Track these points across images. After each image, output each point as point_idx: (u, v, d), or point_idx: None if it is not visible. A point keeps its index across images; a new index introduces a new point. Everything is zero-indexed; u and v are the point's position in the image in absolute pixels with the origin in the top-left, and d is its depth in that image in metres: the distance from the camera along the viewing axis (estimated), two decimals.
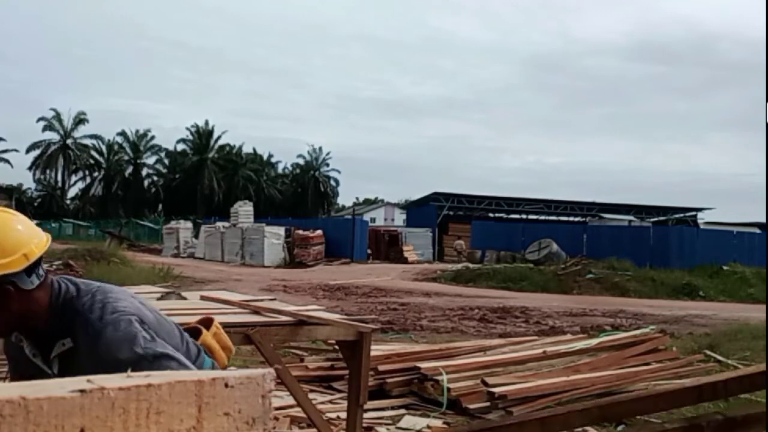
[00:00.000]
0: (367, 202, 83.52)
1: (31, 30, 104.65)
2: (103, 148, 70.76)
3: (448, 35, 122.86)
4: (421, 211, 45.55)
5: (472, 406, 5.43)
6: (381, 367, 5.88)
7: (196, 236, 37.14)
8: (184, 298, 4.49)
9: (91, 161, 71.06)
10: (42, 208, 70.91)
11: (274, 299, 4.86)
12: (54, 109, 69.22)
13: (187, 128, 69.62)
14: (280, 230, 32.16)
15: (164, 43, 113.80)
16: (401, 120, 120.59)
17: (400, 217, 59.27)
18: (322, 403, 5.37)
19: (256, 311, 3.72)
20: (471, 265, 27.81)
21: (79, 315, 1.79)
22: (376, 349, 6.14)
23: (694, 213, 43.48)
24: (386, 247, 37.07)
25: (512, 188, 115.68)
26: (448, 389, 5.52)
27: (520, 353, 6.68)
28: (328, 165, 74.30)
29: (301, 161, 73.41)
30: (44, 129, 68.78)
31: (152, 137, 70.87)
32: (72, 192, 73.87)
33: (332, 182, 74.09)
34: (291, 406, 4.77)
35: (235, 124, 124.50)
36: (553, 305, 16.18)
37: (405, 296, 17.56)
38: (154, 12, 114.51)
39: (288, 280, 21.40)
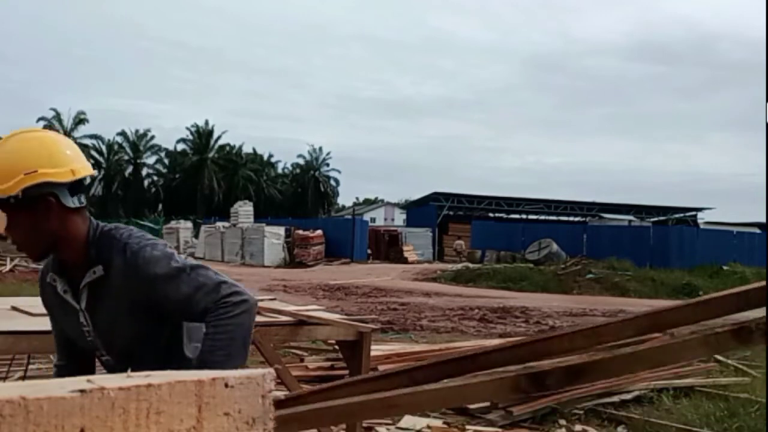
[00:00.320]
0: (367, 202, 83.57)
1: (31, 30, 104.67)
2: (103, 148, 70.80)
3: (448, 35, 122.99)
4: (421, 211, 45.58)
5: (472, 406, 5.43)
6: (381, 367, 5.88)
7: (196, 236, 37.20)
8: None
9: (91, 161, 70.41)
10: None
11: (274, 299, 4.86)
12: (54, 109, 69.44)
13: (187, 128, 69.66)
14: (280, 230, 32.19)
15: (164, 43, 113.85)
16: (401, 120, 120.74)
17: (400, 217, 59.30)
18: None
19: None
20: (471, 265, 27.83)
21: (117, 240, 1.85)
22: (376, 349, 6.14)
23: (694, 213, 43.52)
24: (386, 247, 37.10)
25: (512, 188, 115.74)
26: None
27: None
28: (328, 165, 74.36)
29: (301, 161, 73.45)
30: (44, 129, 68.86)
31: (152, 137, 70.89)
32: None
33: (332, 182, 74.14)
34: None
35: (235, 124, 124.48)
36: (553, 305, 16.19)
37: (405, 296, 17.57)
38: (154, 12, 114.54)
39: (288, 280, 21.41)
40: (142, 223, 56.90)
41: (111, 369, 1.95)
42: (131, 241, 1.84)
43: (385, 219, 65.02)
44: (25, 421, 0.69)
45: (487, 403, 5.44)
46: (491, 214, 45.25)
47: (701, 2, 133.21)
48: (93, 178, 71.82)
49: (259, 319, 3.57)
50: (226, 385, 0.86)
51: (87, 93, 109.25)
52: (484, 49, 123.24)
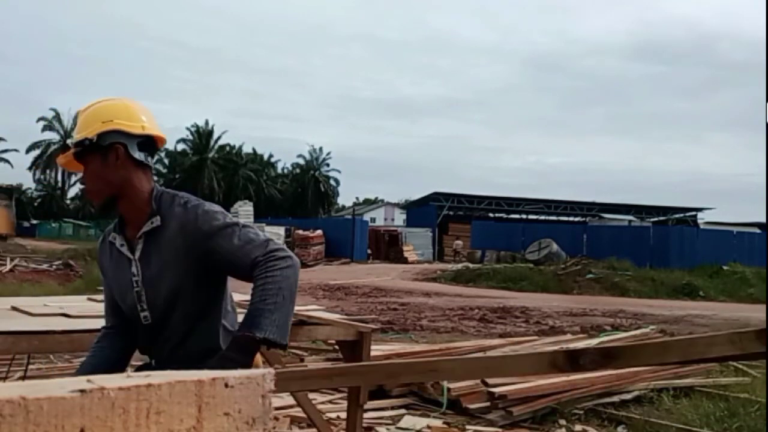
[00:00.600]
0: (367, 202, 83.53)
1: (31, 30, 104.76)
2: None
3: (448, 35, 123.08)
4: (421, 211, 45.57)
5: (472, 406, 5.43)
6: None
7: None
8: None
9: None
10: (42, 208, 70.93)
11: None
12: (54, 109, 69.25)
13: (187, 128, 69.64)
14: (280, 230, 32.19)
15: (164, 43, 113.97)
16: (401, 120, 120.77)
17: (400, 217, 59.27)
18: (322, 403, 5.37)
19: None
20: (471, 265, 27.82)
21: (178, 197, 2.02)
22: (376, 349, 6.13)
23: (694, 213, 43.52)
24: (386, 247, 37.10)
25: (512, 188, 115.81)
26: (448, 389, 5.52)
27: (520, 353, 6.67)
28: (328, 165, 74.31)
29: (301, 161, 73.39)
30: (44, 129, 68.74)
31: None
32: (72, 192, 73.86)
33: (332, 182, 74.11)
34: (291, 406, 4.78)
35: (235, 124, 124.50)
36: (553, 305, 16.18)
37: (405, 296, 17.56)
38: (154, 12, 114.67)
39: None
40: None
41: (148, 330, 2.02)
42: (190, 198, 2.02)
43: (385, 219, 64.99)
44: (25, 421, 0.69)
45: (488, 403, 5.44)
46: (491, 214, 45.25)
47: (701, 2, 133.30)
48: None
49: None
50: (226, 385, 0.87)
51: (87, 93, 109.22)
52: (484, 49, 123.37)
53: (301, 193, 71.13)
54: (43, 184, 72.45)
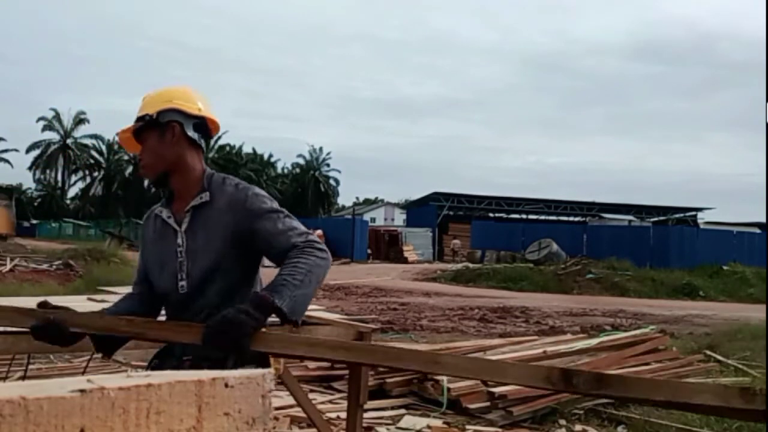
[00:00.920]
0: (367, 202, 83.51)
1: (30, 30, 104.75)
2: (103, 147, 70.80)
3: (448, 35, 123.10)
4: (421, 211, 45.56)
5: (472, 406, 5.43)
6: (381, 367, 5.88)
7: None
8: None
9: (91, 161, 71.06)
10: (42, 208, 70.92)
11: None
12: (54, 109, 69.31)
13: None
14: None
15: (164, 43, 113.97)
16: (401, 120, 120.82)
17: (400, 217, 59.25)
18: (322, 403, 5.37)
19: None
20: (471, 265, 27.81)
21: (229, 179, 2.13)
22: None
23: (694, 213, 43.51)
24: (386, 247, 37.09)
25: (512, 188, 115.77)
26: (448, 389, 5.52)
27: (520, 353, 6.67)
28: (328, 165, 74.30)
29: (301, 161, 73.36)
30: (44, 129, 68.82)
31: None
32: (72, 192, 73.93)
33: (332, 182, 74.12)
34: (291, 406, 4.77)
35: (235, 124, 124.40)
36: (553, 305, 16.18)
37: (405, 296, 17.56)
38: (154, 12, 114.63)
39: None
40: (141, 223, 56.93)
41: (182, 299, 2.08)
42: (240, 181, 2.13)
43: (385, 219, 64.97)
44: (25, 421, 0.69)
45: (488, 403, 5.44)
46: (491, 214, 45.22)
47: (701, 2, 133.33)
48: (93, 178, 71.45)
49: None
50: (226, 385, 0.87)
51: (87, 93, 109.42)
52: (484, 49, 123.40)
53: (301, 193, 71.12)
54: (43, 184, 72.45)
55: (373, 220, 54.64)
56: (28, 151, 68.50)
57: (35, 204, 72.41)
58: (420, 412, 5.46)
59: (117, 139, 2.27)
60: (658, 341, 7.31)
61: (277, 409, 4.70)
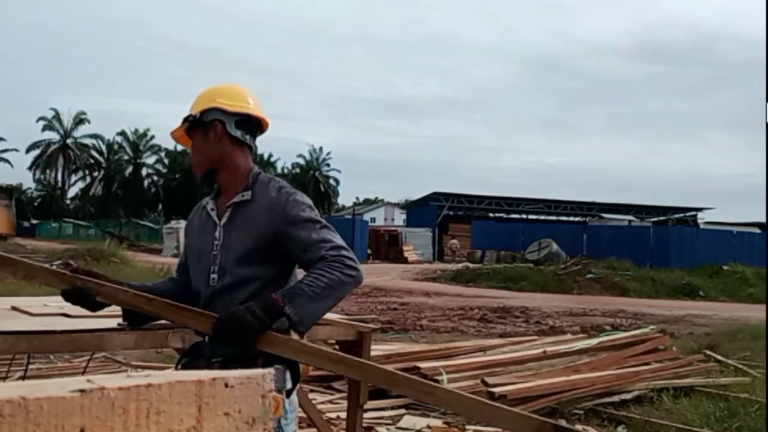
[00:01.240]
0: (367, 202, 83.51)
1: (31, 30, 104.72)
2: (103, 147, 70.80)
3: (448, 35, 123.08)
4: (421, 211, 45.54)
5: None
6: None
7: None
8: None
9: (91, 161, 71.05)
10: (42, 208, 70.92)
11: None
12: (54, 109, 69.28)
13: None
14: None
15: (164, 43, 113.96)
16: (401, 120, 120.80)
17: (400, 217, 59.24)
18: (322, 403, 5.37)
19: None
20: (471, 265, 27.80)
21: (274, 181, 2.17)
22: (376, 349, 6.14)
23: (694, 213, 43.48)
24: (386, 247, 37.07)
25: (512, 188, 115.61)
26: None
27: (520, 353, 6.67)
28: (328, 165, 74.32)
29: (301, 161, 73.31)
30: (44, 129, 68.81)
31: (152, 137, 70.86)
32: (72, 192, 73.92)
33: (332, 182, 74.15)
34: None
35: None
36: (553, 305, 16.18)
37: (405, 296, 17.56)
38: (153, 12, 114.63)
39: None
40: (142, 223, 56.95)
41: (212, 293, 2.11)
42: (285, 185, 2.16)
43: (385, 219, 64.96)
44: (25, 421, 0.69)
45: None
46: (491, 214, 45.20)
47: (701, 2, 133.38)
48: (93, 178, 71.38)
49: None
50: (226, 385, 0.87)
51: (87, 93, 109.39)
52: (484, 49, 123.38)
53: None
54: (43, 184, 72.45)
55: (373, 220, 54.63)
56: (28, 151, 68.57)
57: (35, 204, 72.41)
58: (420, 412, 5.46)
59: (170, 137, 2.34)
60: (658, 341, 7.31)
61: None
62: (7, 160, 67.55)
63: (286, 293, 1.89)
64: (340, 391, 5.74)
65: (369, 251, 35.69)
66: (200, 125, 2.15)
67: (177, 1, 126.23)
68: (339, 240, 2.04)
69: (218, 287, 2.10)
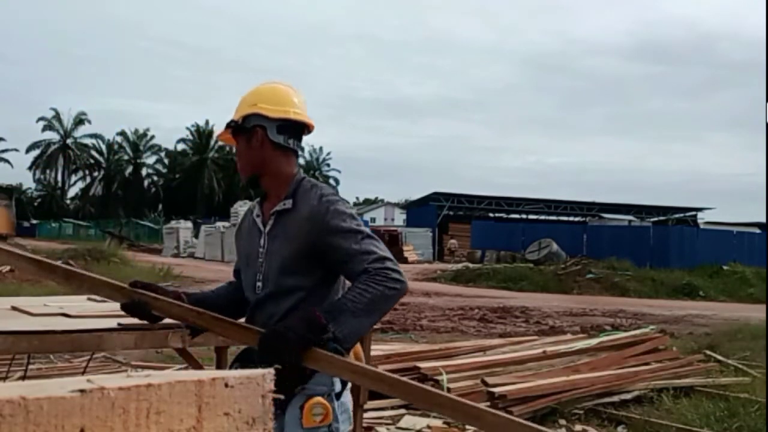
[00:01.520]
0: (367, 202, 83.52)
1: (31, 30, 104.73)
2: (103, 147, 70.83)
3: (447, 35, 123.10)
4: (421, 211, 45.53)
5: None
6: (381, 367, 5.88)
7: (196, 236, 37.10)
8: None
9: (91, 161, 71.06)
10: (42, 207, 70.93)
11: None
12: (54, 109, 69.30)
13: (187, 128, 69.66)
14: None
15: (164, 43, 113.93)
16: (401, 120, 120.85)
17: (400, 217, 59.23)
18: None
19: None
20: (471, 265, 27.80)
21: (316, 188, 2.11)
22: (376, 349, 6.14)
23: (694, 213, 43.45)
24: (386, 246, 37.03)
25: (512, 188, 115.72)
26: (448, 389, 5.51)
27: (520, 353, 6.67)
28: (328, 165, 74.37)
29: (301, 161, 73.21)
30: (44, 129, 68.83)
31: (152, 137, 70.90)
32: (72, 192, 73.93)
33: (332, 182, 74.09)
34: None
35: None
36: (553, 305, 16.18)
37: (405, 296, 17.52)
38: (154, 12, 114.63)
39: None
40: (142, 223, 56.95)
41: (257, 301, 2.12)
42: (327, 192, 2.10)
43: (385, 219, 64.96)
44: (25, 421, 0.69)
45: (488, 403, 5.43)
46: (491, 214, 45.19)
47: (701, 2, 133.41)
48: (93, 178, 71.37)
49: None
50: (226, 385, 0.87)
51: (87, 93, 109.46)
52: (484, 49, 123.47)
53: None
54: (43, 184, 72.47)
55: (373, 220, 54.66)
56: (28, 151, 68.58)
57: (35, 204, 72.42)
58: (420, 412, 5.45)
59: (219, 140, 2.34)
60: (658, 341, 7.31)
61: None
62: (7, 160, 67.63)
63: (330, 310, 1.87)
64: None
65: None
66: (242, 130, 2.12)
67: (177, 1, 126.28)
68: (382, 250, 1.99)
69: (262, 295, 2.11)
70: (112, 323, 3.02)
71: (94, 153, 70.99)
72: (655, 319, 13.89)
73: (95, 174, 71.51)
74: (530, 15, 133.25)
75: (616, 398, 5.97)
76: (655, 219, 42.15)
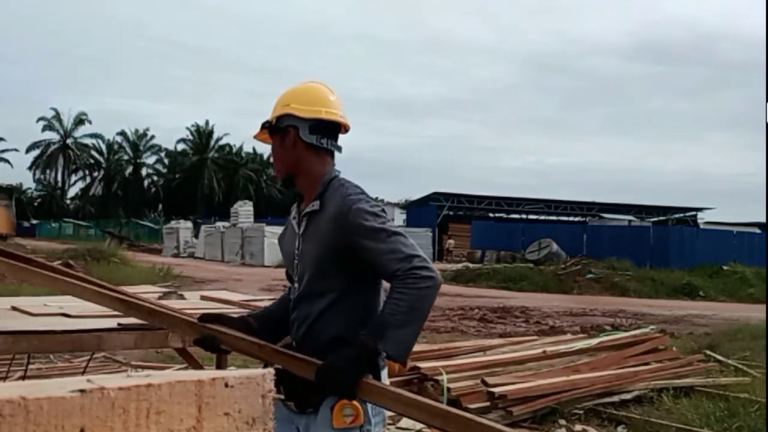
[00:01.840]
0: None
1: (31, 30, 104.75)
2: (103, 147, 70.85)
3: (447, 35, 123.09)
4: (421, 211, 45.52)
5: (472, 406, 5.43)
6: None
7: (196, 236, 37.12)
8: (185, 298, 4.49)
9: (91, 161, 71.08)
10: (42, 207, 70.96)
11: (275, 299, 4.85)
12: (54, 109, 69.31)
13: (187, 128, 69.65)
14: (281, 230, 32.15)
15: (164, 43, 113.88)
16: (401, 120, 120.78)
17: (400, 217, 59.13)
18: None
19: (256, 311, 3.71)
20: (471, 265, 27.82)
21: (342, 188, 2.09)
22: None
23: (694, 213, 43.45)
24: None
25: (512, 188, 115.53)
26: (448, 389, 5.52)
27: (520, 353, 6.68)
28: None
29: None
30: (44, 129, 68.85)
31: (152, 137, 70.92)
32: (72, 192, 73.93)
33: None
34: None
35: (235, 124, 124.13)
36: (553, 305, 16.18)
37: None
38: (153, 12, 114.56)
39: None
40: (142, 223, 56.97)
41: (295, 302, 2.15)
42: (351, 191, 2.06)
43: None
44: (25, 421, 0.69)
45: (488, 403, 5.44)
46: (491, 214, 45.20)
47: (701, 2, 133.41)
48: (93, 178, 71.37)
49: None
50: (226, 385, 0.87)
51: (87, 93, 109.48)
52: (484, 49, 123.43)
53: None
54: (43, 184, 72.48)
55: None
56: (28, 151, 68.60)
57: (35, 204, 72.45)
58: None
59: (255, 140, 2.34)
60: (658, 341, 7.31)
61: None
62: (7, 160, 67.64)
63: (375, 329, 1.87)
64: None
65: None
66: (277, 131, 2.14)
67: (177, 1, 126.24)
68: (408, 247, 1.96)
69: (297, 296, 2.13)
70: (112, 323, 3.02)
71: (94, 153, 71.03)
72: (655, 319, 13.89)
73: (95, 174, 71.54)
74: (530, 15, 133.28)
75: (616, 398, 5.97)
76: (655, 219, 42.15)
